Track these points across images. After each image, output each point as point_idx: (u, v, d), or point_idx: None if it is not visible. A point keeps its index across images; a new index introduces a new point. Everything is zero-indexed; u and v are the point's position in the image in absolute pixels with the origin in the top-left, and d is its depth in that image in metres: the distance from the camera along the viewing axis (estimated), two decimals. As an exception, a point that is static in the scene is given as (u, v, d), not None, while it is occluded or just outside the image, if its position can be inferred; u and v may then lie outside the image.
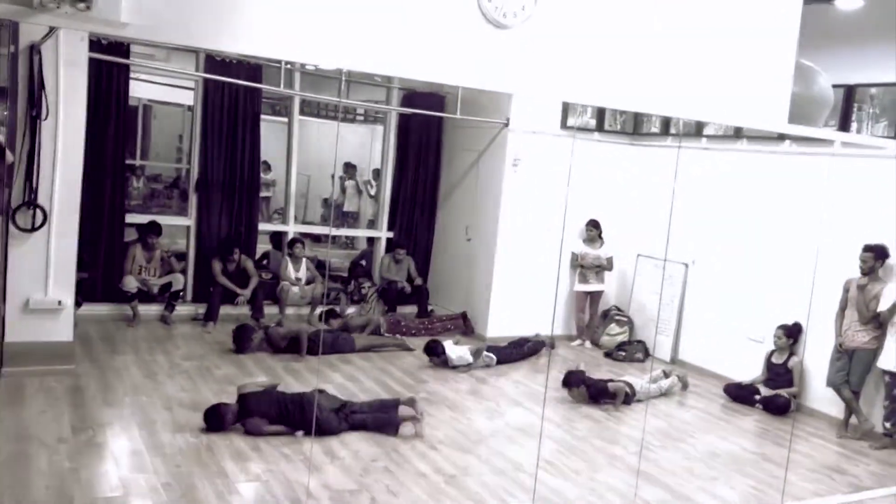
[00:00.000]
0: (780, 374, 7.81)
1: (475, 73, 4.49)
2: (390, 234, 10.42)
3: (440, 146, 10.44)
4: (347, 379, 7.43)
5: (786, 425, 7.24)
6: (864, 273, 7.07)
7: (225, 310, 8.74)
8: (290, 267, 9.31)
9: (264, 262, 9.92)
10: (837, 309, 7.29)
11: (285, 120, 10.07)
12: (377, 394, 6.92)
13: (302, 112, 10.19)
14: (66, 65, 6.41)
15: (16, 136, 6.26)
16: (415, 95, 10.08)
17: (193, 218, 9.14)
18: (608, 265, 9.58)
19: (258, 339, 7.90)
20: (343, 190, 13.61)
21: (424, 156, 10.38)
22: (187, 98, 10.36)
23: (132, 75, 8.72)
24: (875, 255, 7.02)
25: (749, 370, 8.14)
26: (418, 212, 10.42)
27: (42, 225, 6.44)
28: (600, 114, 9.82)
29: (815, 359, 7.60)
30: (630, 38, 4.93)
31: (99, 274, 8.23)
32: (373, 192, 12.63)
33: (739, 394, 7.94)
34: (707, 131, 9.02)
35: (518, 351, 8.67)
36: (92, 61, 6.75)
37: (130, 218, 8.96)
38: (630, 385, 7.52)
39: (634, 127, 10.04)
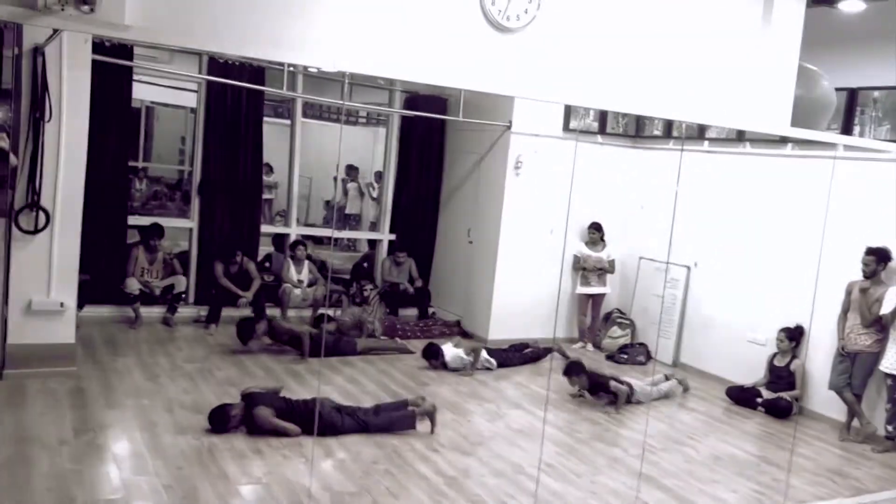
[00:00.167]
0: (783, 376, 7.80)
1: (478, 77, 4.51)
2: (392, 237, 10.43)
3: (442, 149, 10.45)
4: (349, 382, 7.43)
5: (788, 428, 7.24)
6: (867, 276, 7.07)
7: (227, 312, 8.74)
8: (292, 269, 9.32)
9: (266, 264, 9.93)
10: (840, 312, 7.29)
11: (288, 122, 10.07)
12: (379, 397, 6.92)
13: (304, 114, 10.20)
14: (70, 67, 6.42)
15: (19, 139, 6.27)
16: (417, 98, 10.10)
17: (196, 220, 9.14)
18: (610, 268, 9.58)
19: (262, 330, 7.90)
20: (345, 192, 13.63)
21: (426, 158, 10.38)
22: (190, 100, 10.37)
23: (135, 77, 8.73)
24: (877, 258, 7.02)
25: (751, 373, 8.14)
26: (420, 214, 10.42)
27: (45, 227, 6.45)
28: (602, 117, 9.82)
29: (818, 362, 7.60)
30: (632, 42, 4.95)
31: (101, 276, 8.22)
32: (375, 195, 12.65)
33: (741, 397, 7.94)
34: (709, 134, 9.02)
35: (519, 355, 8.66)
36: (95, 63, 6.75)
37: (133, 220, 8.97)
38: (630, 385, 7.52)
39: (637, 130, 10.04)
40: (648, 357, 9.23)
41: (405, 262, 10.05)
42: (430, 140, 10.35)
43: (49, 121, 6.33)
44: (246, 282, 8.97)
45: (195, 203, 9.14)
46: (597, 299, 9.68)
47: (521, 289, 9.29)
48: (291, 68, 8.91)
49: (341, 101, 10.68)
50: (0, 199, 6.25)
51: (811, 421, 7.57)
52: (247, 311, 8.63)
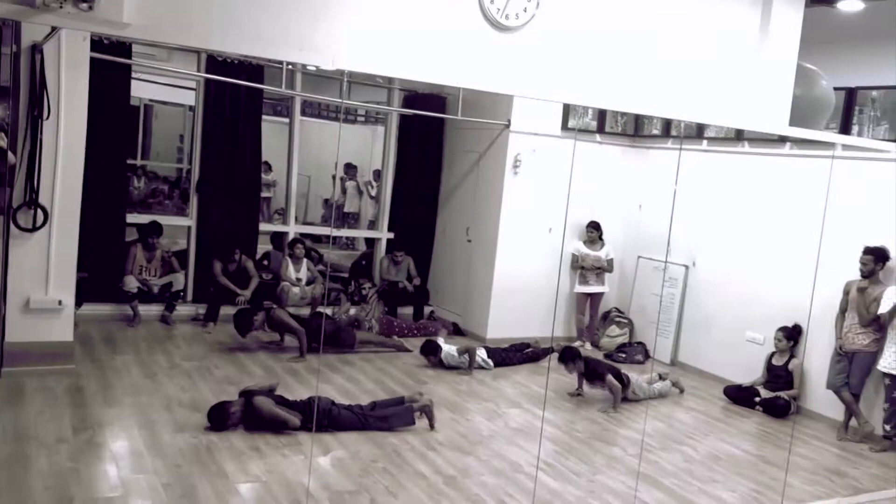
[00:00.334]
0: (781, 376, 7.81)
1: (476, 75, 4.50)
2: (391, 235, 10.43)
3: (441, 147, 10.45)
4: (347, 380, 7.43)
5: (786, 428, 7.24)
6: (865, 276, 7.08)
7: (225, 310, 8.73)
8: (291, 267, 9.32)
9: (265, 262, 9.93)
10: (837, 311, 7.30)
11: (286, 120, 10.07)
12: (378, 395, 6.91)
13: (303, 113, 10.19)
14: (68, 65, 6.42)
15: (17, 137, 6.26)
16: (416, 97, 10.09)
17: (194, 218, 9.14)
18: (609, 267, 9.59)
19: (260, 321, 7.90)
20: (344, 191, 13.62)
21: (425, 157, 10.38)
22: (188, 98, 10.36)
23: (133, 75, 8.73)
24: (875, 257, 7.03)
25: (749, 372, 8.14)
26: (419, 213, 10.42)
27: (43, 225, 6.45)
28: (601, 115, 9.82)
29: (816, 361, 7.61)
30: (631, 41, 4.94)
31: (99, 274, 8.22)
32: (373, 193, 12.65)
33: (739, 396, 7.95)
34: (708, 133, 9.03)
35: (517, 355, 8.66)
36: (93, 61, 6.75)
37: (131, 218, 8.97)
38: (627, 377, 7.52)
39: (635, 129, 10.04)
40: (647, 356, 9.24)
41: (403, 260, 10.05)
42: (429, 138, 10.35)
43: (47, 119, 6.32)
44: (244, 280, 8.97)
45: (194, 201, 9.14)
46: (595, 298, 9.69)
47: (520, 287, 9.29)
48: (290, 66, 8.91)
49: (340, 100, 10.68)
50: (-2, 197, 6.25)
51: (809, 420, 7.58)
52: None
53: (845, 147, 7.02)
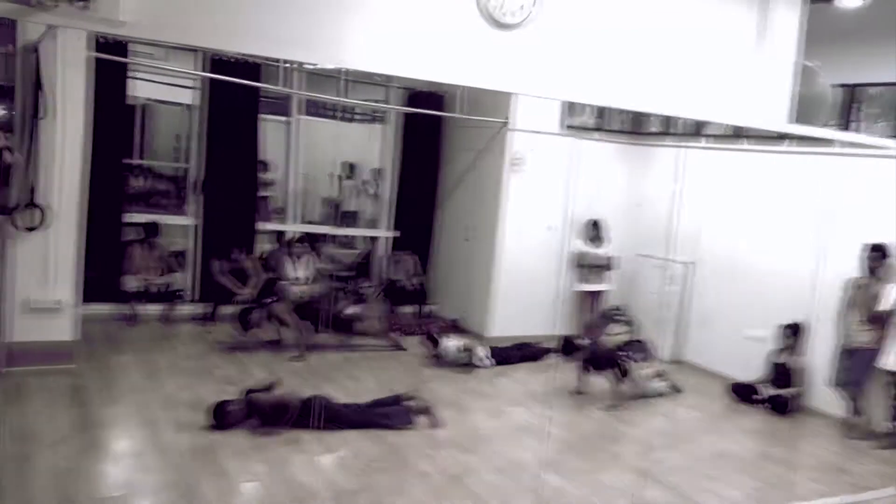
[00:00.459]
0: (783, 373, 7.80)
1: (475, 73, 4.48)
2: (390, 234, 10.41)
3: (440, 145, 10.43)
4: (349, 378, 7.42)
5: (788, 425, 7.23)
6: (866, 273, 7.06)
7: (225, 309, 8.72)
8: (290, 266, 9.29)
9: (265, 261, 9.89)
10: (839, 308, 7.28)
11: (285, 119, 10.05)
12: (379, 395, 6.89)
13: (302, 111, 10.16)
14: (66, 64, 6.40)
15: (16, 137, 6.25)
16: (415, 95, 10.07)
17: (193, 217, 9.13)
18: (609, 265, 9.56)
19: (261, 316, 7.89)
20: (343, 189, 13.58)
21: (424, 155, 10.37)
22: (187, 97, 10.33)
23: (131, 74, 8.71)
24: (877, 254, 7.01)
25: (752, 370, 8.13)
26: (418, 211, 10.41)
27: (42, 225, 6.43)
28: (601, 113, 9.80)
29: (818, 358, 7.59)
30: (631, 38, 4.92)
31: (100, 274, 8.20)
32: (372, 192, 12.61)
33: (742, 393, 7.93)
34: (708, 131, 9.01)
35: (517, 353, 8.64)
36: (90, 60, 6.74)
37: (130, 217, 8.96)
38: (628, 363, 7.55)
39: (635, 126, 10.02)
40: (648, 354, 9.20)
41: (403, 259, 10.03)
42: (428, 137, 10.34)
43: (43, 118, 6.30)
44: (244, 279, 8.96)
45: (193, 200, 9.12)
46: (597, 296, 9.66)
47: (521, 286, 9.28)
48: (289, 65, 8.89)
49: (339, 98, 10.66)
50: (-3, 197, 6.24)
51: (812, 417, 7.57)
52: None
53: (845, 144, 7.00)
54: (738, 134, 8.67)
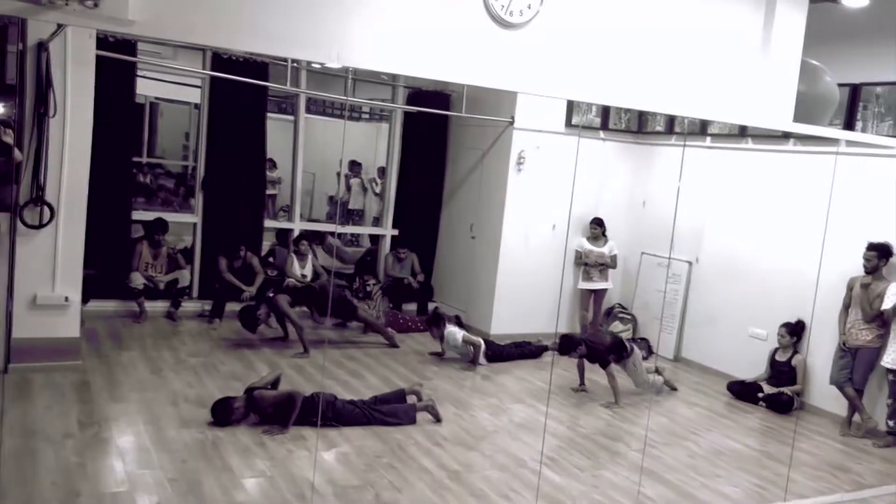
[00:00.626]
0: (784, 371, 7.82)
1: (481, 72, 4.51)
2: (395, 232, 10.45)
3: (445, 144, 10.46)
4: (351, 375, 7.46)
5: (789, 423, 7.25)
6: (868, 271, 7.08)
7: (231, 306, 8.77)
8: (296, 264, 9.34)
9: (270, 259, 9.96)
10: (841, 307, 7.30)
11: (291, 118, 10.09)
12: (381, 391, 6.93)
13: (308, 110, 10.20)
14: (74, 62, 6.45)
15: (24, 134, 6.30)
16: (420, 94, 10.10)
17: (200, 215, 9.18)
18: (612, 263, 9.59)
19: (264, 314, 7.94)
20: (348, 188, 13.64)
21: (429, 154, 10.39)
22: (194, 96, 10.39)
23: (139, 73, 8.76)
24: (879, 253, 7.03)
25: (752, 368, 8.15)
26: (423, 209, 10.44)
27: (49, 222, 6.48)
28: (605, 112, 9.83)
29: (819, 357, 7.61)
30: (635, 37, 4.94)
31: (106, 271, 8.26)
32: (378, 190, 12.66)
33: (743, 391, 7.96)
34: (712, 130, 9.02)
35: (517, 350, 8.66)
36: (99, 59, 6.78)
37: (137, 215, 9.02)
38: (632, 347, 7.59)
39: (639, 125, 10.04)
40: (650, 352, 9.24)
41: (407, 257, 10.08)
42: (433, 135, 10.37)
43: (53, 116, 6.35)
44: (249, 276, 9.01)
45: (199, 198, 9.18)
46: (598, 294, 9.69)
47: (524, 284, 9.31)
48: (295, 64, 8.93)
49: (345, 97, 10.69)
50: (5, 194, 6.28)
51: (812, 416, 7.59)
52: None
53: (849, 143, 7.02)
54: (742, 133, 8.69)
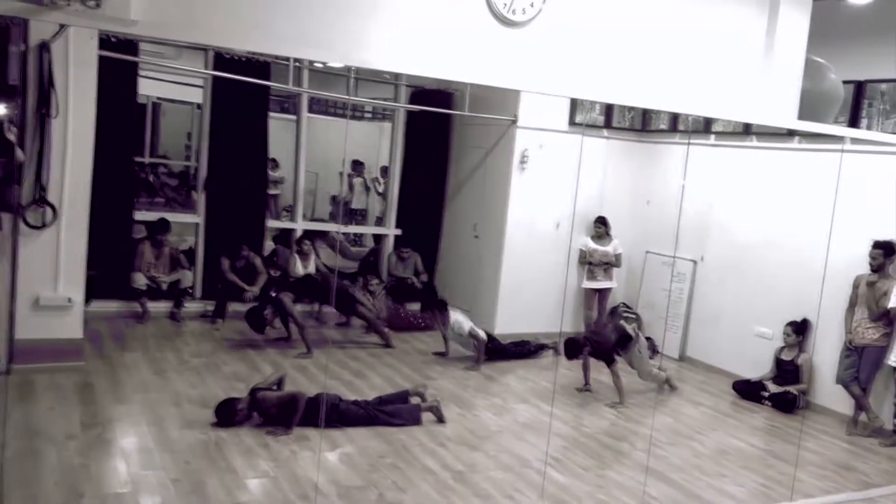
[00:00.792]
0: (789, 370, 7.79)
1: (484, 71, 4.50)
2: (398, 232, 10.43)
3: (448, 143, 10.44)
4: (355, 376, 7.44)
5: (795, 422, 7.23)
6: (874, 270, 7.05)
7: (233, 307, 8.77)
8: (299, 263, 9.33)
9: (273, 258, 9.94)
10: (847, 306, 7.27)
11: (293, 117, 10.08)
12: (385, 391, 6.91)
13: (310, 109, 10.19)
14: (76, 63, 6.44)
15: (26, 134, 6.29)
16: (423, 93, 10.09)
17: (202, 215, 9.16)
18: (616, 262, 9.56)
19: (271, 314, 7.94)
20: (351, 187, 13.63)
21: (432, 153, 10.37)
22: (196, 96, 10.38)
23: (141, 73, 8.75)
24: (885, 251, 7.00)
25: (758, 367, 8.13)
26: (426, 209, 10.42)
27: (52, 222, 6.47)
28: (608, 110, 9.81)
29: (825, 356, 7.59)
30: (639, 35, 4.93)
31: (108, 271, 8.25)
32: (381, 190, 12.65)
33: (748, 390, 7.93)
34: (716, 128, 8.99)
35: (516, 350, 8.63)
36: (101, 59, 6.77)
37: (139, 215, 9.01)
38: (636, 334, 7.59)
39: (643, 124, 10.02)
40: (655, 351, 9.21)
41: (410, 256, 10.06)
42: (436, 134, 10.35)
43: (55, 117, 6.35)
44: (252, 276, 8.99)
45: (201, 198, 9.16)
46: (603, 293, 9.67)
47: (527, 283, 9.29)
48: (297, 63, 8.92)
49: (347, 96, 10.68)
50: (7, 195, 6.27)
51: (818, 415, 7.56)
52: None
53: (854, 140, 6.98)
54: (746, 130, 8.66)
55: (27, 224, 6.38)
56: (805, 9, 5.51)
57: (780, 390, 7.72)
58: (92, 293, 7.59)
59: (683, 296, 9.20)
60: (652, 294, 9.66)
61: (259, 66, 8.93)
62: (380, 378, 7.45)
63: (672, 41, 5.06)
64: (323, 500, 4.86)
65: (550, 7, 4.52)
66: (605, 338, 7.49)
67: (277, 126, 10.31)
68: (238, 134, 9.10)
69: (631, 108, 9.74)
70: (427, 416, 6.36)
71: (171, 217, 9.25)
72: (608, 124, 9.84)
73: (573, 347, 7.39)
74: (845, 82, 6.91)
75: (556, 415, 6.87)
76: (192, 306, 8.96)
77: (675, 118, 9.60)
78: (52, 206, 6.45)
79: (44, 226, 6.45)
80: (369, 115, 14.60)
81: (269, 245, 10.06)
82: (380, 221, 11.23)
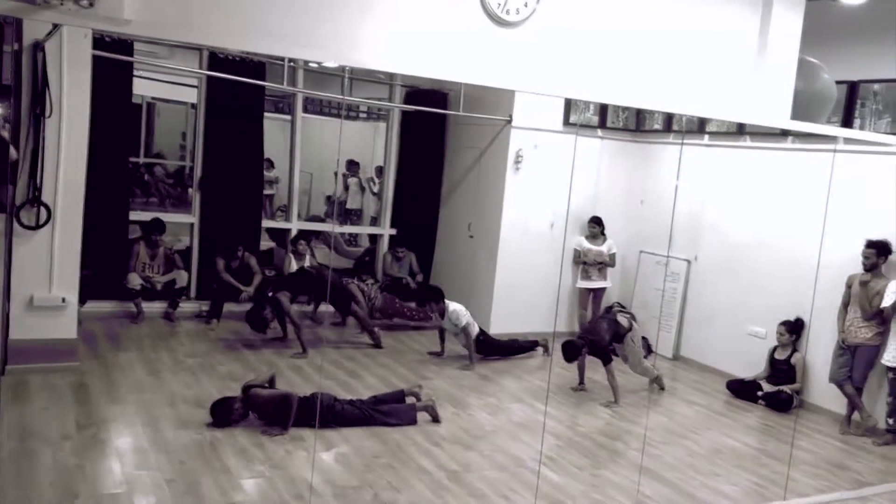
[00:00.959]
0: (783, 370, 7.81)
1: (478, 71, 4.50)
2: (393, 231, 10.44)
3: (443, 143, 10.45)
4: (350, 376, 7.45)
5: (788, 421, 7.24)
6: (867, 269, 7.07)
7: (229, 307, 8.76)
8: (294, 263, 9.33)
9: (268, 258, 9.94)
10: (840, 305, 7.29)
11: (288, 117, 10.08)
12: (380, 391, 6.91)
13: (305, 109, 10.19)
14: (70, 62, 6.44)
15: (20, 134, 6.28)
16: (417, 92, 10.09)
17: (197, 215, 9.15)
18: (611, 261, 9.58)
19: (271, 314, 7.95)
20: (346, 187, 13.63)
21: (427, 153, 10.38)
22: (191, 96, 10.37)
23: (136, 73, 8.74)
24: (878, 251, 7.02)
25: (752, 366, 8.14)
26: (421, 209, 10.43)
27: (46, 222, 6.46)
28: (602, 111, 9.83)
29: (818, 355, 7.61)
30: (632, 35, 4.94)
31: (103, 271, 8.24)
32: (376, 190, 12.65)
33: (742, 390, 7.95)
34: (710, 128, 9.02)
35: (507, 345, 8.65)
36: (95, 59, 6.77)
37: (134, 215, 9.00)
38: (631, 323, 7.66)
39: (637, 124, 10.04)
40: (649, 350, 9.21)
41: (405, 256, 10.07)
42: (431, 134, 10.35)
43: (49, 116, 6.33)
44: (247, 276, 8.99)
45: (196, 198, 9.16)
46: (597, 293, 9.68)
47: (522, 283, 9.31)
48: (292, 63, 8.92)
49: (342, 96, 10.69)
50: (1, 195, 6.26)
51: (812, 414, 7.58)
52: (248, 306, 8.63)
53: (847, 141, 7.01)
54: (740, 131, 8.68)
55: (21, 224, 6.37)
56: (798, 9, 5.53)
57: (774, 389, 7.73)
58: (86, 293, 7.58)
59: (677, 295, 9.22)
60: (646, 294, 9.68)
61: (254, 65, 8.92)
62: (375, 378, 7.45)
63: (665, 41, 5.07)
64: (318, 500, 4.86)
65: (544, 7, 4.53)
66: (600, 333, 7.49)
67: (272, 126, 10.31)
68: (233, 134, 9.10)
69: (625, 109, 9.76)
70: (422, 416, 6.37)
71: (166, 217, 9.24)
72: (602, 124, 9.86)
73: (572, 350, 7.39)
74: (838, 82, 6.94)
75: (551, 414, 6.88)
76: (186, 306, 8.95)
77: (669, 118, 9.62)
78: (47, 207, 6.44)
79: (38, 226, 6.44)
80: (364, 115, 14.61)
81: (267, 244, 10.06)
82: (375, 221, 11.24)
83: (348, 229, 13.07)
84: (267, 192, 11.32)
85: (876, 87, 7.53)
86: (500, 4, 4.37)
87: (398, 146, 10.40)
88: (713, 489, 5.69)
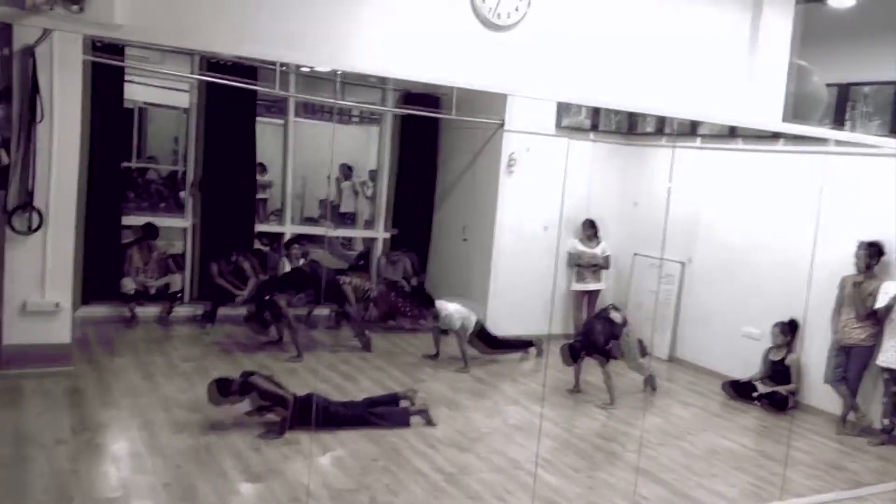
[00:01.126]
0: (778, 370, 7.82)
1: (470, 74, 4.51)
2: (387, 235, 10.44)
3: (436, 147, 10.45)
4: (345, 379, 7.44)
5: (784, 422, 7.26)
6: (860, 270, 7.10)
7: (223, 311, 8.75)
8: (288, 267, 9.31)
9: (262, 262, 9.91)
10: (834, 306, 7.31)
11: (281, 121, 10.07)
12: (375, 394, 6.90)
13: (297, 113, 10.18)
14: (61, 67, 6.42)
15: (11, 139, 6.26)
16: (410, 96, 10.09)
17: (190, 219, 9.14)
18: (605, 264, 9.59)
19: (270, 316, 7.95)
20: (339, 191, 13.61)
21: (421, 156, 10.38)
22: (183, 100, 10.33)
23: (127, 78, 8.72)
24: (870, 252, 7.05)
25: (747, 367, 8.15)
26: (416, 212, 10.43)
27: (38, 227, 6.45)
28: (595, 114, 9.83)
29: (813, 356, 7.62)
30: (624, 39, 4.96)
31: (97, 276, 8.22)
32: (369, 193, 12.64)
33: (737, 391, 7.96)
34: (702, 131, 9.04)
35: (503, 342, 8.65)
36: (87, 63, 6.76)
37: (127, 220, 8.97)
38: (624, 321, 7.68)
39: (629, 127, 10.05)
40: (644, 353, 9.23)
41: (400, 259, 10.06)
42: (424, 138, 10.36)
43: (41, 121, 6.32)
44: (241, 280, 8.98)
45: (190, 203, 9.14)
46: (592, 295, 9.68)
47: (517, 285, 9.31)
48: (284, 67, 8.91)
49: (334, 100, 10.68)
50: (-6, 200, 6.26)
51: (807, 414, 7.60)
52: (242, 310, 8.62)
53: (838, 143, 7.04)
54: (732, 133, 8.70)
55: (14, 229, 6.35)
56: (788, 12, 5.56)
57: (770, 390, 7.75)
58: (80, 298, 7.56)
59: (672, 297, 9.23)
60: (641, 296, 9.69)
61: (246, 70, 8.91)
62: (369, 381, 7.44)
63: (657, 45, 5.09)
64: (314, 504, 4.86)
65: (535, 11, 4.54)
66: (595, 334, 7.49)
67: (265, 130, 10.29)
68: (226, 138, 9.09)
69: (617, 112, 9.76)
70: (417, 419, 6.36)
71: (160, 221, 9.22)
72: (595, 127, 9.87)
73: (571, 353, 7.40)
74: (829, 85, 6.98)
75: (547, 416, 6.88)
76: (181, 311, 8.93)
77: (661, 121, 9.63)
78: (39, 211, 6.43)
79: (30, 231, 6.42)
80: (357, 119, 14.58)
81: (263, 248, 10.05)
82: (369, 225, 11.23)
83: (342, 233, 13.04)
84: (260, 196, 11.30)
85: (866, 89, 7.56)
86: (491, 8, 4.39)
87: (391, 150, 10.40)
88: (710, 490, 5.70)
